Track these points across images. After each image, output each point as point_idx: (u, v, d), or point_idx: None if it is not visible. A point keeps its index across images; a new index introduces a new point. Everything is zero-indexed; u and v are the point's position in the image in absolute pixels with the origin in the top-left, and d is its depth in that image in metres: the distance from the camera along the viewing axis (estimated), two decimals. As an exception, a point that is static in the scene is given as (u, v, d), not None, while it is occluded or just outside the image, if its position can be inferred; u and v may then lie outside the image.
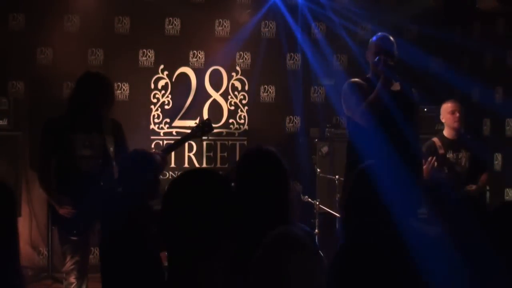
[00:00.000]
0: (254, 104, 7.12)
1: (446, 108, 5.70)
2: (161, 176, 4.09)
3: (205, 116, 6.92)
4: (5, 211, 2.41)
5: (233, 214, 1.91)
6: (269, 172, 2.79)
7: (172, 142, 4.97)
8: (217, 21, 7.04)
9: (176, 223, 1.85)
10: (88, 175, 4.36)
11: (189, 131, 6.62)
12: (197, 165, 6.92)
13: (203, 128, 4.76)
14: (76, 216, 4.29)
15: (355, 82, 4.50)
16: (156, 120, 6.90)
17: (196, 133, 4.77)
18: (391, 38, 4.51)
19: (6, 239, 2.39)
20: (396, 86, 4.45)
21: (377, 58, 4.35)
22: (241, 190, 2.81)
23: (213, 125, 6.78)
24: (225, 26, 7.05)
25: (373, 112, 4.28)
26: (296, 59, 7.19)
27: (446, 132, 5.71)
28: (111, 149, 4.47)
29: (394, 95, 4.37)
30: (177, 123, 6.91)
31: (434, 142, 5.68)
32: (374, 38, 4.56)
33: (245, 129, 7.11)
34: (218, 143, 7.04)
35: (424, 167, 5.47)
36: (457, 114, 5.62)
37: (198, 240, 1.83)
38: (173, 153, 6.71)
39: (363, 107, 4.30)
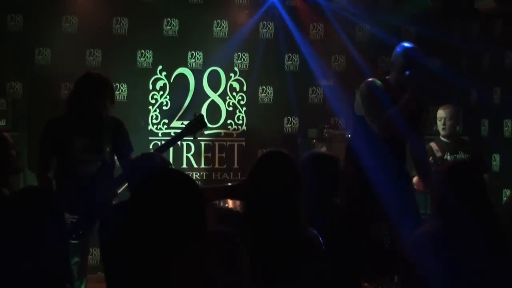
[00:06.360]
0: (252, 105, 7.12)
1: (437, 114, 5.76)
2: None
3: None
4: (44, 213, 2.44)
5: (201, 214, 1.94)
6: (288, 176, 2.80)
7: (167, 140, 4.93)
8: (215, 21, 7.04)
9: (146, 221, 1.89)
10: (87, 179, 4.33)
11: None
12: (195, 166, 6.92)
13: (196, 125, 4.71)
14: (75, 221, 4.26)
15: (376, 84, 4.40)
16: (154, 121, 6.89)
17: (189, 130, 4.71)
18: (418, 48, 4.47)
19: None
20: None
21: (407, 72, 4.29)
22: (256, 191, 2.81)
23: (212, 126, 6.88)
24: (223, 26, 7.05)
25: (393, 125, 4.25)
26: (294, 60, 7.19)
27: (442, 136, 5.76)
28: (107, 149, 4.45)
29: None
30: (175, 124, 6.91)
31: (430, 147, 5.72)
32: (403, 47, 4.45)
33: (244, 130, 7.11)
34: (216, 144, 7.04)
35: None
36: (444, 122, 5.68)
37: (166, 237, 1.87)
38: (171, 154, 6.73)
39: (384, 119, 4.25)
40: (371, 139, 4.28)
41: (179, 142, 6.73)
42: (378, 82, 4.43)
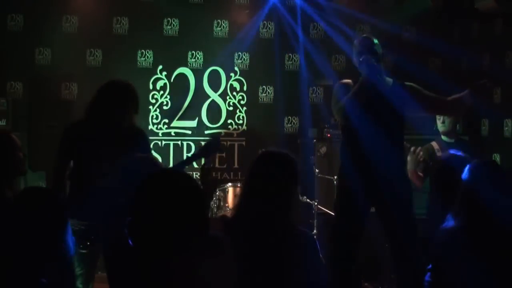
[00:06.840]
0: (252, 104, 7.13)
1: None
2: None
3: (204, 117, 6.95)
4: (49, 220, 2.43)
5: (203, 214, 1.96)
6: (284, 177, 2.80)
7: (177, 163, 4.91)
8: (215, 21, 7.05)
9: (147, 221, 1.90)
10: (99, 189, 4.24)
11: (188, 131, 6.67)
12: (195, 165, 6.91)
13: (207, 151, 4.64)
14: (84, 230, 4.20)
15: (343, 83, 4.54)
16: (154, 121, 6.90)
17: (204, 153, 4.65)
18: (373, 38, 4.54)
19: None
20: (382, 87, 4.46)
21: (362, 58, 4.37)
22: (251, 187, 2.83)
23: (212, 126, 6.88)
24: (223, 26, 7.06)
25: (349, 110, 4.30)
26: (294, 60, 7.20)
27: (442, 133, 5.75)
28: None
29: (378, 98, 4.37)
30: (175, 123, 6.92)
31: (432, 146, 5.71)
32: (355, 40, 4.61)
33: (244, 129, 7.12)
34: (217, 143, 7.03)
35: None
36: (443, 120, 5.66)
37: (168, 237, 1.88)
38: (171, 154, 6.73)
39: (340, 105, 4.34)
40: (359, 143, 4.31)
41: (179, 142, 6.76)
42: (350, 82, 4.49)
